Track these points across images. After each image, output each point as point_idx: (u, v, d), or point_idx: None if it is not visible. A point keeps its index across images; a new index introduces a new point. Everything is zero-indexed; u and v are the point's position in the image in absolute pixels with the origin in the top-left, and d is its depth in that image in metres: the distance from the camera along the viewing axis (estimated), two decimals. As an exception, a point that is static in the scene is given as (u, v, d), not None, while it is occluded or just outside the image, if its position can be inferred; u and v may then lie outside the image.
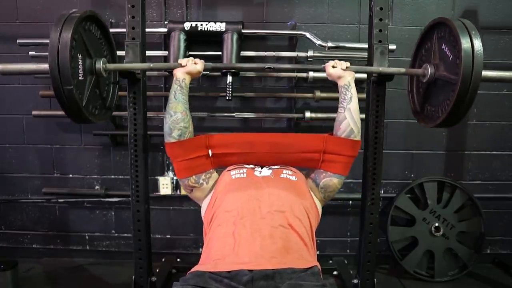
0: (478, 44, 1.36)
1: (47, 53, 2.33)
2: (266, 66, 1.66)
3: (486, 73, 1.41)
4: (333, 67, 1.62)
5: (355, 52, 2.29)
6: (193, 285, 1.15)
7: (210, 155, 1.56)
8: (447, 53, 1.49)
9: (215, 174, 1.60)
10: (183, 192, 2.46)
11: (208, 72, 2.33)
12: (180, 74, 1.58)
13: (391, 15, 2.35)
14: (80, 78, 1.43)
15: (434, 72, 1.55)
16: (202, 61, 1.62)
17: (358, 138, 1.58)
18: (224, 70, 2.13)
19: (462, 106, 1.39)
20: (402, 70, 1.66)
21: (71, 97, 1.35)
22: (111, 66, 1.61)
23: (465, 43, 1.35)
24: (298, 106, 2.44)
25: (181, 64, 1.60)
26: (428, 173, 2.49)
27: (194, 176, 1.54)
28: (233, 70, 2.13)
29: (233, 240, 1.28)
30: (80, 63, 1.43)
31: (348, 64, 1.63)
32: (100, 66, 1.54)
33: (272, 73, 2.36)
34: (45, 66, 1.38)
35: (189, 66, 1.58)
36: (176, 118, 1.52)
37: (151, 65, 1.68)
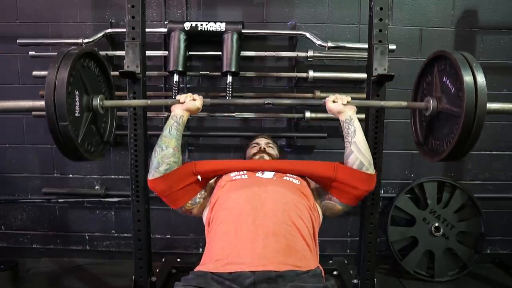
0: (480, 76, 1.33)
1: (47, 53, 2.36)
2: (266, 102, 1.64)
3: (490, 105, 1.36)
4: (334, 102, 1.59)
5: (355, 52, 2.29)
6: (195, 286, 1.15)
7: (200, 179, 1.54)
8: (449, 86, 1.47)
9: (209, 188, 1.59)
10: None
11: (208, 72, 2.33)
12: (178, 111, 1.56)
13: (391, 15, 2.35)
14: (76, 114, 1.41)
15: (437, 106, 1.52)
16: (201, 97, 1.60)
17: (370, 171, 1.53)
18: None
19: (468, 139, 1.35)
20: (404, 103, 1.62)
21: (66, 133, 1.32)
22: (108, 103, 1.59)
23: (466, 75, 1.33)
24: (298, 106, 2.44)
25: (179, 100, 1.57)
26: (428, 173, 2.49)
27: (189, 201, 1.54)
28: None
29: (235, 238, 1.27)
30: (77, 99, 1.41)
31: (349, 98, 1.59)
32: (97, 103, 1.51)
33: (272, 73, 2.36)
34: (41, 103, 1.34)
35: (188, 103, 1.56)
36: (167, 152, 1.50)
37: (149, 101, 1.67)
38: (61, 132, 1.32)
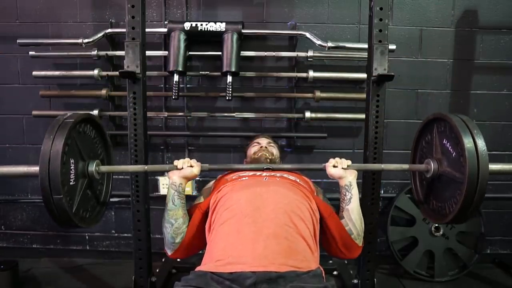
0: (481, 141, 1.33)
1: (47, 53, 2.36)
2: (265, 167, 1.63)
3: (491, 167, 1.36)
4: (334, 166, 1.56)
5: (355, 52, 2.29)
6: (195, 286, 1.15)
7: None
8: (449, 149, 1.47)
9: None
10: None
11: (208, 72, 2.33)
12: (176, 179, 1.53)
13: (391, 15, 2.35)
14: (71, 183, 1.39)
15: (438, 168, 1.52)
16: (199, 163, 1.56)
17: (358, 241, 1.53)
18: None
19: (471, 206, 1.35)
20: (405, 166, 1.63)
21: (60, 206, 1.30)
22: (104, 168, 1.57)
23: (467, 142, 1.33)
24: (298, 106, 2.44)
25: (176, 166, 1.55)
26: (428, 173, 2.49)
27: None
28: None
29: (236, 239, 1.27)
30: (72, 167, 1.40)
31: (349, 162, 1.57)
32: (93, 169, 1.49)
33: (272, 73, 2.36)
34: (36, 168, 1.34)
35: (185, 170, 1.53)
36: (178, 224, 1.49)
37: (146, 167, 1.64)
38: (55, 204, 1.30)
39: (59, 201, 1.30)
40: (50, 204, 1.31)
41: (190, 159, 1.57)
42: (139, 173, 1.80)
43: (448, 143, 1.48)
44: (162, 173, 2.48)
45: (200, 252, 1.53)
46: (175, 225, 1.49)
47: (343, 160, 1.58)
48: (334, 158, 1.59)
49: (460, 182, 1.38)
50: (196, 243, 1.53)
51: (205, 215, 1.52)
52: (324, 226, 1.51)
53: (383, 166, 1.64)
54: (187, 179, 1.56)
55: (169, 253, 1.54)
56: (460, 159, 1.38)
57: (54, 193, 1.29)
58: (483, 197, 1.34)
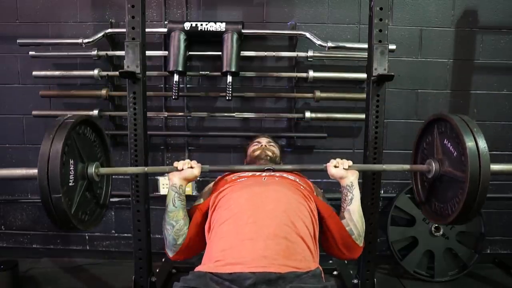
0: (482, 141, 1.34)
1: (47, 53, 2.36)
2: (266, 168, 1.62)
3: (493, 167, 1.36)
4: (335, 166, 1.55)
5: (355, 52, 2.29)
6: (194, 287, 1.15)
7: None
8: (451, 149, 1.47)
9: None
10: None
11: (208, 72, 2.33)
12: (177, 180, 1.52)
13: (391, 15, 2.35)
14: (70, 184, 1.38)
15: (439, 168, 1.52)
16: (199, 164, 1.55)
17: (358, 242, 1.51)
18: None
19: (473, 205, 1.35)
20: (407, 166, 1.62)
21: (58, 206, 1.28)
22: (104, 170, 1.56)
23: (469, 141, 1.34)
24: (298, 106, 2.44)
25: (177, 167, 1.54)
26: (428, 173, 2.49)
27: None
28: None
29: (235, 239, 1.27)
30: (71, 168, 1.38)
31: (350, 162, 1.56)
32: (93, 171, 1.48)
33: (272, 73, 2.37)
34: (35, 171, 1.32)
35: (186, 171, 1.52)
36: (179, 226, 1.47)
37: (146, 169, 1.63)
38: (54, 204, 1.28)
39: (57, 201, 1.27)
40: (48, 204, 1.28)
41: (190, 159, 1.56)
42: (139, 174, 1.80)
43: (449, 143, 1.48)
44: (162, 173, 2.48)
45: (200, 252, 1.53)
46: (176, 226, 1.47)
47: (344, 160, 1.56)
48: (335, 158, 1.58)
49: (461, 181, 1.37)
50: (197, 245, 1.51)
51: (205, 216, 1.51)
52: (324, 227, 1.50)
53: (384, 166, 1.64)
54: (188, 180, 1.54)
55: (171, 255, 1.52)
56: (462, 158, 1.38)
57: (53, 192, 1.27)
58: (485, 197, 1.33)
